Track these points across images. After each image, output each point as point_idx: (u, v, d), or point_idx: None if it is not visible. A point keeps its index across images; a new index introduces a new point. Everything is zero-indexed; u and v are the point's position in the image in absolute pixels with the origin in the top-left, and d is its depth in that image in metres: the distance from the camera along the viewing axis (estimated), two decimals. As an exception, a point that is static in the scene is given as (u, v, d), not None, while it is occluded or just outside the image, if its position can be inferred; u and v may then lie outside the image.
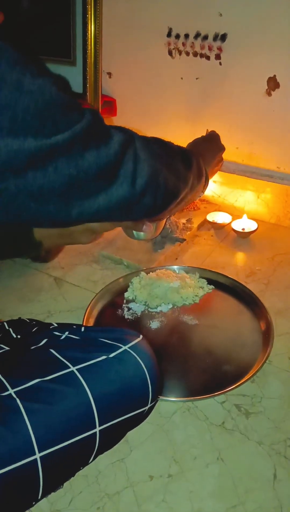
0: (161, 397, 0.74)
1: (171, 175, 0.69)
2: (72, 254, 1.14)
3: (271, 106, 1.12)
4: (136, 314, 0.94)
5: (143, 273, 1.02)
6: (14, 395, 0.53)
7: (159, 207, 0.68)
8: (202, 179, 0.86)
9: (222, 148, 1.10)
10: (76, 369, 0.57)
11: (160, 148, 0.69)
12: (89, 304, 0.93)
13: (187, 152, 0.81)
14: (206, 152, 1.00)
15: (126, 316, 0.93)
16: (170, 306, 0.95)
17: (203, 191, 0.91)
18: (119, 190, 0.59)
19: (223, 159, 1.11)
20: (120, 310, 0.95)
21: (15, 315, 0.91)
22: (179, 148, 0.80)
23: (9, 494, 0.51)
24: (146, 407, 0.61)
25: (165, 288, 0.97)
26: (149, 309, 0.95)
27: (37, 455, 0.51)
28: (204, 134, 1.18)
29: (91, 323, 0.90)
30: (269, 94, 1.11)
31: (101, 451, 0.60)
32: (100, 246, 1.14)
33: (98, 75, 1.24)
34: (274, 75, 1.08)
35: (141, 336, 0.64)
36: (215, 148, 1.07)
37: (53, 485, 0.59)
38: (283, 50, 1.04)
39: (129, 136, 0.61)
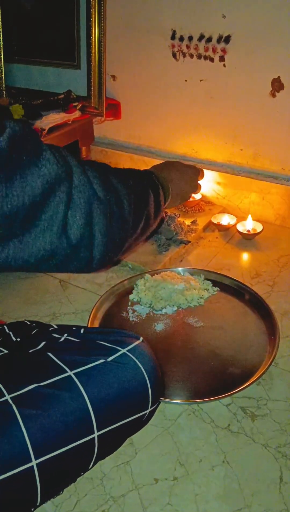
0: (166, 400, 0.74)
1: (115, 223, 0.57)
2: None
3: (275, 107, 1.12)
4: (141, 316, 0.94)
5: (148, 275, 1.02)
6: (10, 401, 0.52)
7: (98, 261, 0.56)
8: (156, 222, 0.74)
9: (194, 190, 0.94)
10: (73, 373, 0.56)
11: (105, 186, 0.55)
12: (94, 307, 0.93)
13: (143, 191, 0.67)
14: (177, 191, 0.85)
15: (131, 318, 0.93)
16: (175, 308, 0.95)
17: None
18: (39, 240, 0.47)
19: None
20: (124, 313, 0.95)
21: (20, 317, 0.92)
22: (136, 182, 0.65)
23: (5, 502, 0.50)
24: (147, 411, 0.61)
25: (170, 290, 0.97)
26: (154, 311, 0.95)
27: (34, 462, 0.51)
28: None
29: (96, 325, 0.90)
30: (273, 95, 1.11)
31: (101, 456, 0.60)
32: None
33: (102, 78, 1.24)
34: (278, 76, 1.08)
35: (141, 338, 0.63)
36: (188, 189, 0.92)
37: (52, 491, 0.58)
38: (287, 51, 1.04)
39: (64, 170, 0.48)
